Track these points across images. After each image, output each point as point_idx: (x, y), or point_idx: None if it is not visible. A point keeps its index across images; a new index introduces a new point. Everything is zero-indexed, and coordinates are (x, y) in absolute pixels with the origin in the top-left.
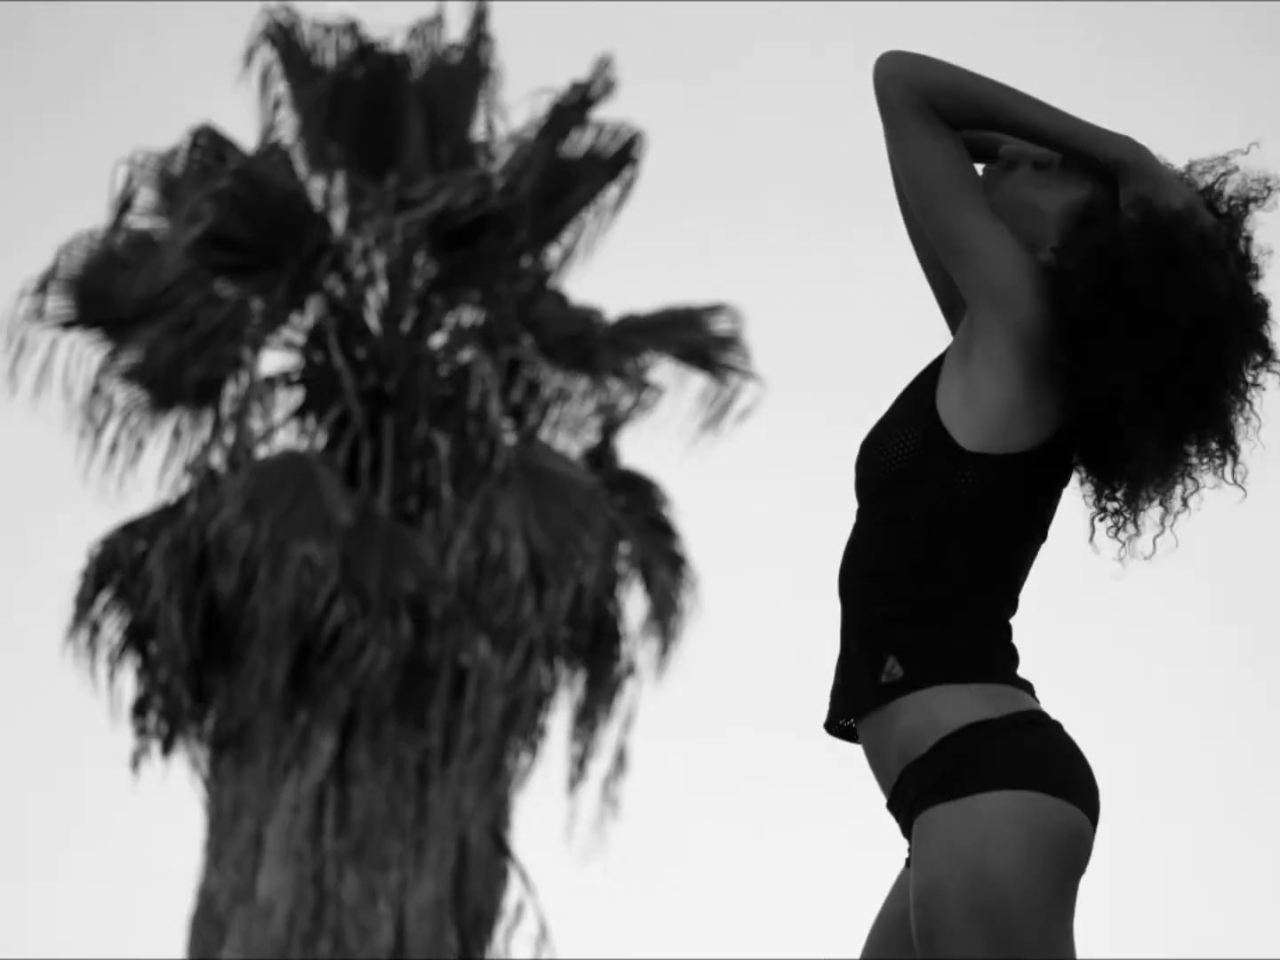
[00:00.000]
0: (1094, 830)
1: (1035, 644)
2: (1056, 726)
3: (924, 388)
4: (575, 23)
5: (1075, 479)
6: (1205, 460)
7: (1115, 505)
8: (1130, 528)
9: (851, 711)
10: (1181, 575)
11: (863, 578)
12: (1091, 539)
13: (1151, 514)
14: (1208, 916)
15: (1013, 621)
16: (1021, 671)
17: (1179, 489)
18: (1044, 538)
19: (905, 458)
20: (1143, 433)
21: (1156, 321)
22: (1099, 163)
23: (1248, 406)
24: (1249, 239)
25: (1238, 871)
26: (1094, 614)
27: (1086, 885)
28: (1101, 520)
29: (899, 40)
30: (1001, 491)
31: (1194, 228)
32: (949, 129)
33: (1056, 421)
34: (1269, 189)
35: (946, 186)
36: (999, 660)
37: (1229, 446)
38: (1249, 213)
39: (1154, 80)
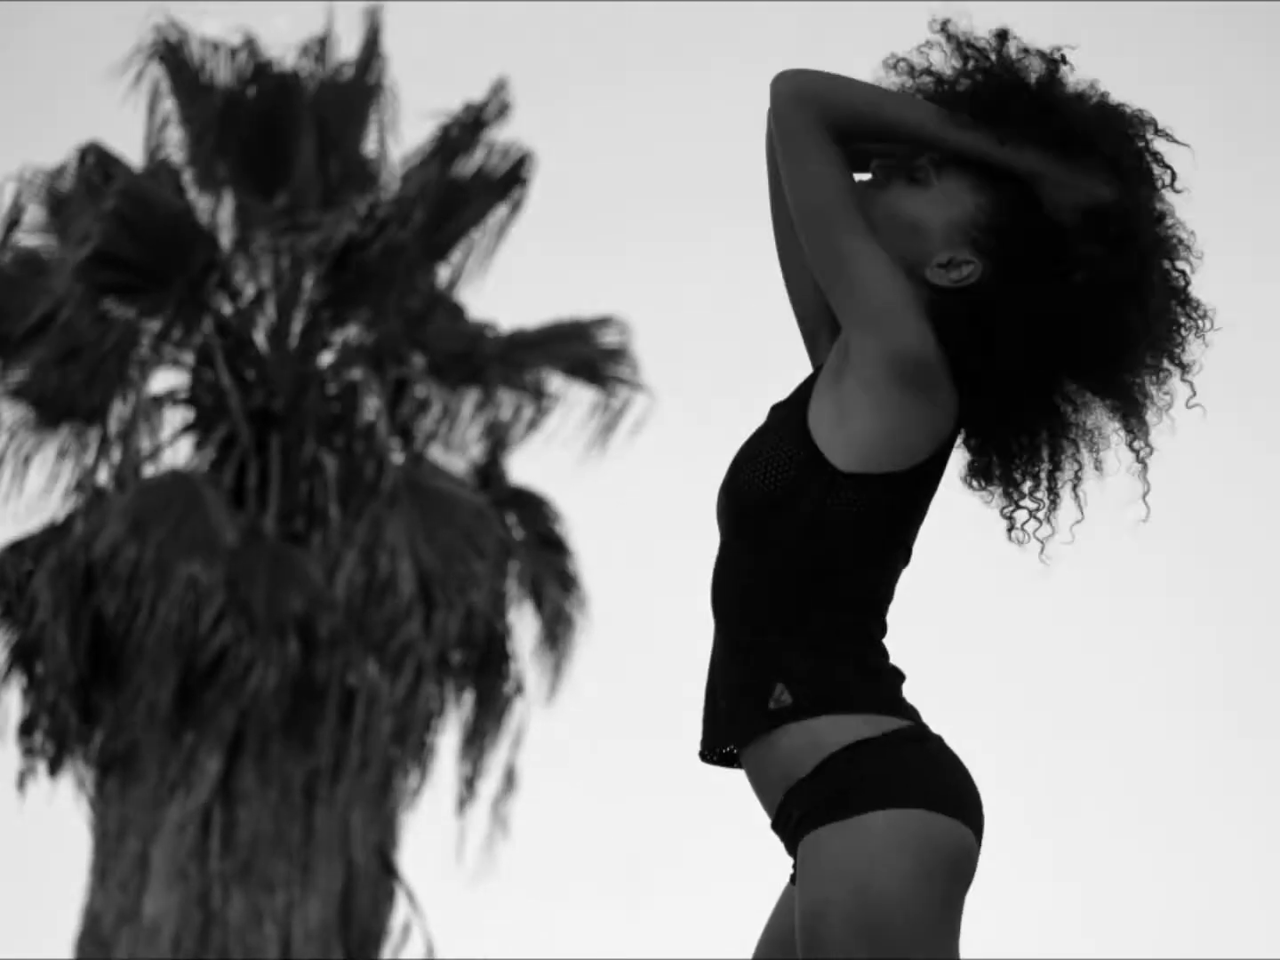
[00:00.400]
0: (980, 844)
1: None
2: (937, 741)
3: (795, 410)
4: (469, 40)
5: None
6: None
7: (1020, 496)
8: (1045, 513)
9: (735, 738)
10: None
11: (739, 600)
12: (1010, 534)
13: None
14: (1208, 916)
15: (886, 641)
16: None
17: (1087, 459)
18: (909, 560)
19: (780, 479)
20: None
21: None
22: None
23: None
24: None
25: (1238, 871)
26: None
27: (1087, 885)
28: (1019, 509)
29: (795, 51)
30: (877, 512)
31: (1135, 219)
32: (839, 152)
33: (935, 439)
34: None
35: (831, 210)
36: (884, 686)
37: (1141, 428)
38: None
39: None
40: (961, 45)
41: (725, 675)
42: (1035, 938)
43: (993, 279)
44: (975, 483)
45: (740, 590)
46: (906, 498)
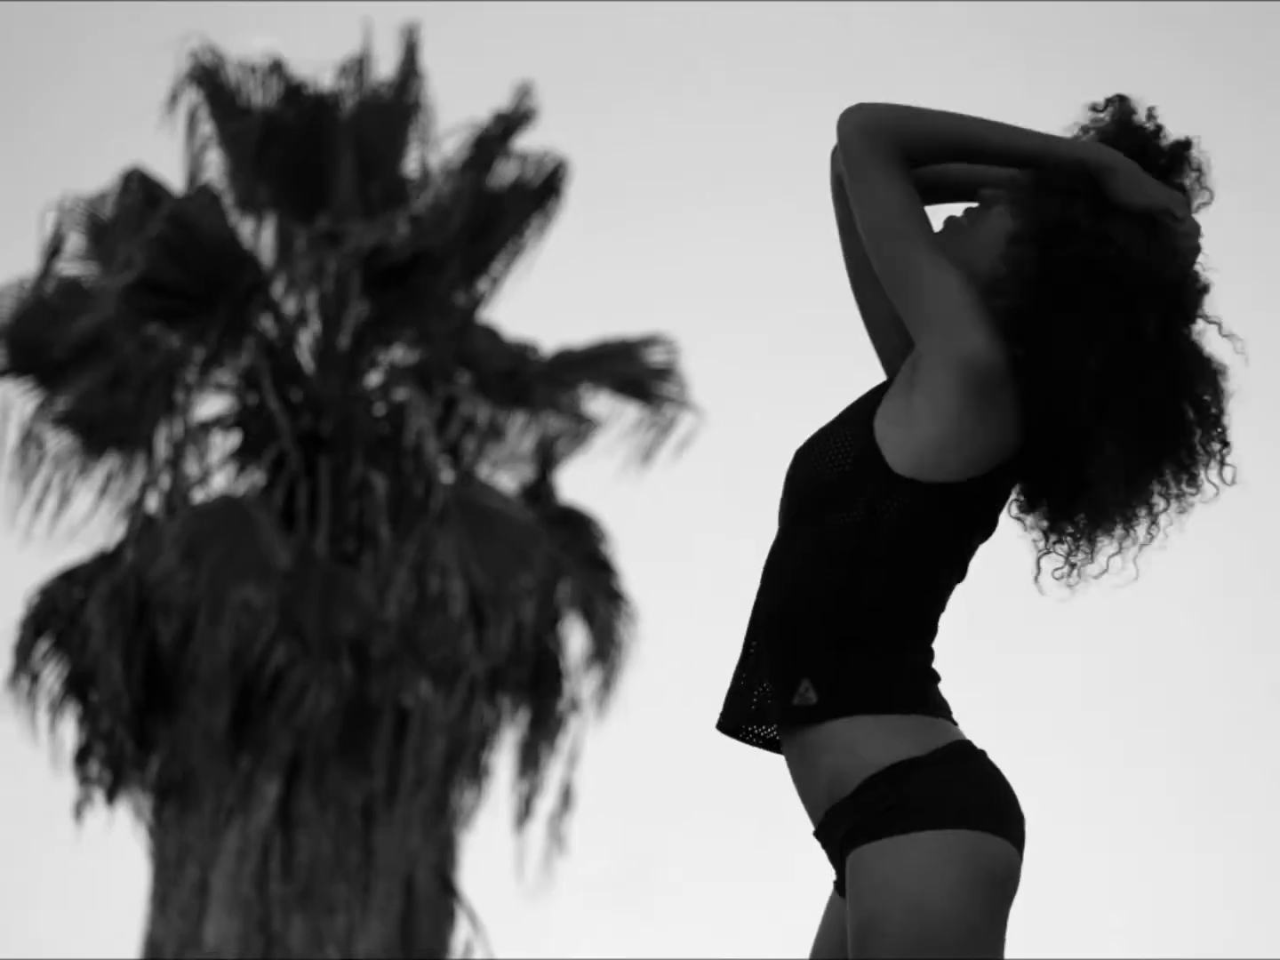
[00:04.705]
0: (1021, 857)
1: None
2: (981, 757)
3: (865, 408)
4: (501, 51)
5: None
6: (1166, 491)
7: (1069, 537)
8: (1084, 557)
9: (759, 718)
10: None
11: (784, 590)
12: (1036, 579)
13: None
14: (1208, 916)
15: (934, 646)
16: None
17: (1143, 513)
18: (963, 575)
19: (837, 471)
20: (1116, 445)
21: (1140, 337)
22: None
23: (1212, 432)
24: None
25: (1237, 871)
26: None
27: (1088, 885)
28: (1051, 554)
29: (832, 61)
30: (928, 519)
31: (1182, 235)
32: (907, 176)
33: (992, 457)
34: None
35: (899, 223)
36: (916, 689)
37: (1193, 479)
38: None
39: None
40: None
41: (758, 657)
42: (1036, 937)
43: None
44: (1020, 512)
45: (786, 578)
46: (962, 511)
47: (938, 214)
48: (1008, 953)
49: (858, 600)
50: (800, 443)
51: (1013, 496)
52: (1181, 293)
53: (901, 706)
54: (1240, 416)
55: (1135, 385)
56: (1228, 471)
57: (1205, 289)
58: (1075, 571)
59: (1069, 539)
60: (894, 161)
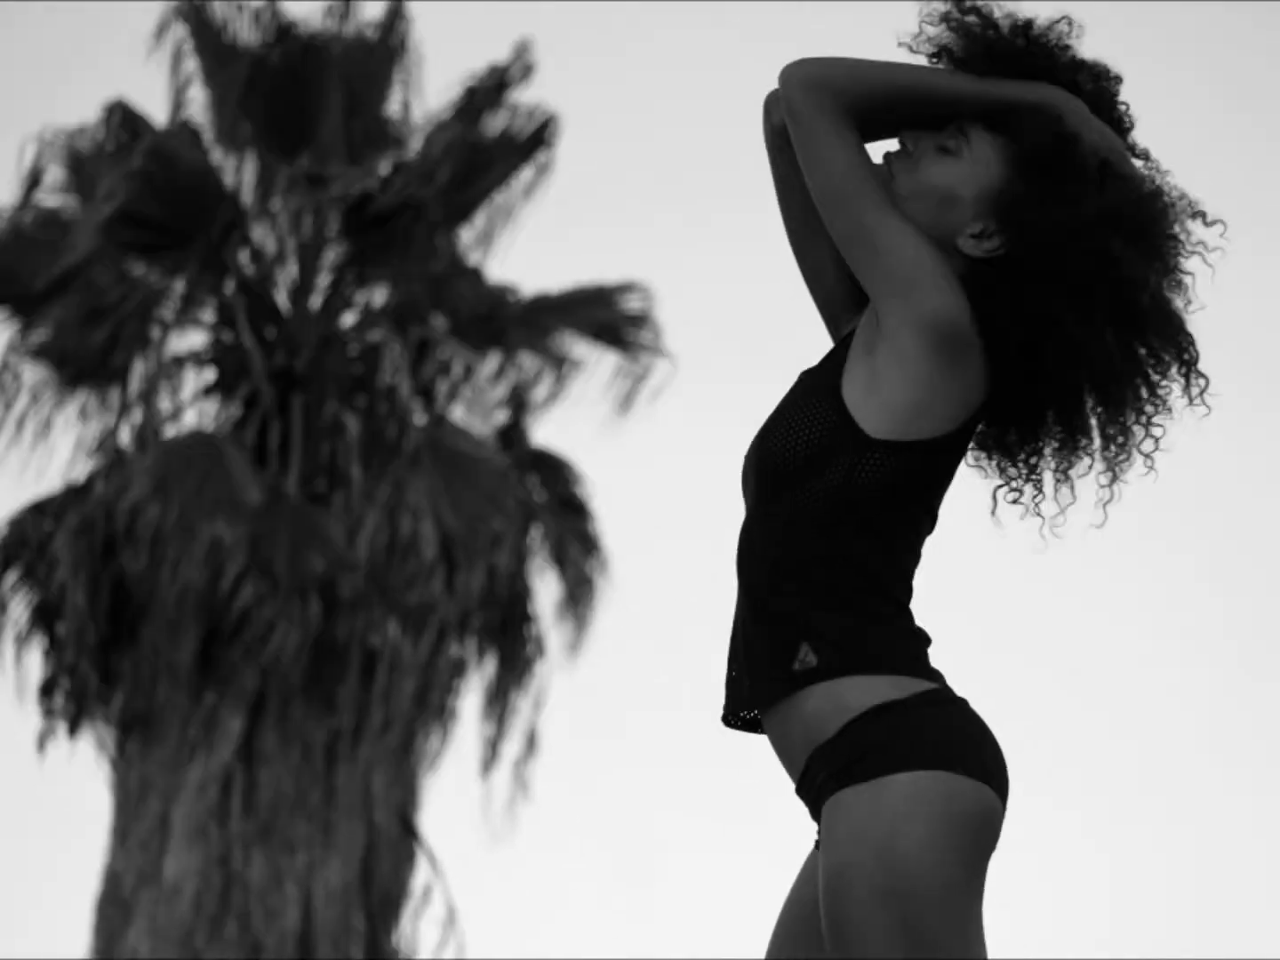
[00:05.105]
0: (1004, 810)
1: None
2: (962, 703)
3: (825, 379)
4: (495, 6)
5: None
6: (1139, 417)
7: (1029, 474)
8: (1050, 496)
9: (758, 701)
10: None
11: (768, 567)
12: (994, 512)
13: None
14: (1206, 916)
15: (912, 606)
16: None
17: (1118, 440)
18: (934, 526)
19: (810, 444)
20: (1093, 388)
21: (1128, 281)
22: (1015, 120)
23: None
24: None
25: (1237, 870)
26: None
27: (1091, 885)
28: (1012, 493)
29: (815, 22)
30: (905, 478)
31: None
32: (854, 130)
33: (962, 411)
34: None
35: (851, 187)
36: (911, 648)
37: (1162, 404)
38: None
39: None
40: (963, 16)
41: (750, 640)
42: (1040, 937)
43: (1020, 248)
44: (980, 453)
45: (767, 555)
46: (936, 465)
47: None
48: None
49: (844, 565)
50: (758, 425)
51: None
52: (1146, 229)
53: (898, 668)
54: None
55: (1111, 328)
56: (1194, 390)
57: (1169, 222)
58: (1041, 511)
59: (1034, 479)
60: (842, 118)
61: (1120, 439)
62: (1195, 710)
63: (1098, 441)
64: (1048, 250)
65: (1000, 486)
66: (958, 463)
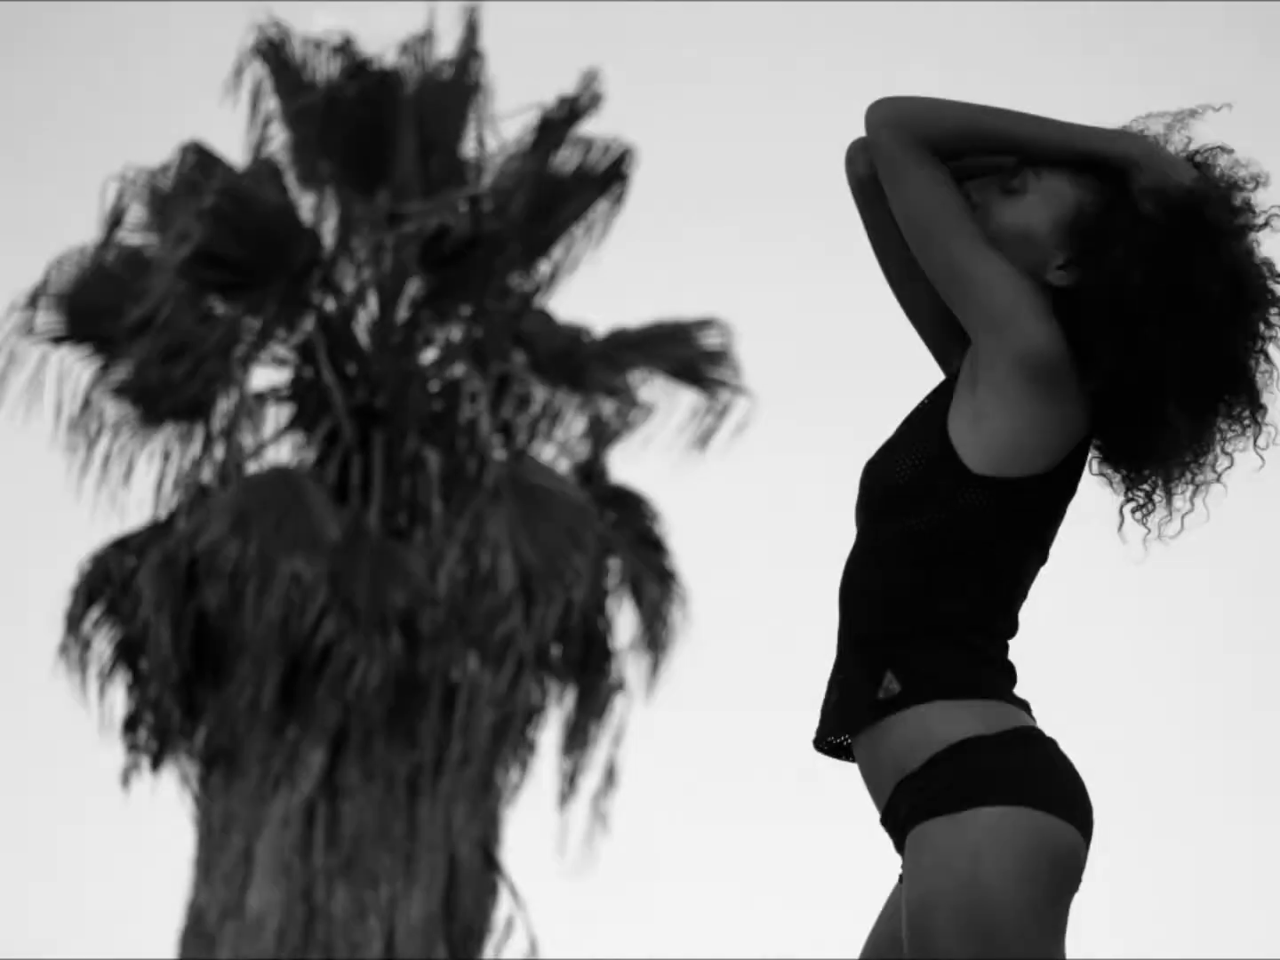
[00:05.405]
0: (1088, 848)
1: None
2: (1051, 743)
3: (934, 412)
4: (566, 32)
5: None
6: (1234, 427)
7: (1146, 489)
8: (1161, 510)
9: (846, 727)
10: (1193, 577)
11: (863, 594)
12: (1120, 528)
13: (1179, 495)
14: (1208, 915)
15: (1012, 642)
16: (1024, 690)
17: (1210, 461)
18: (1045, 559)
19: (912, 475)
20: (1179, 409)
21: (1192, 303)
22: (1090, 163)
23: (1267, 365)
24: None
25: (1237, 871)
26: (1102, 616)
27: (1093, 885)
28: (1132, 507)
29: (886, 46)
30: (1007, 514)
31: (1212, 204)
32: (941, 164)
33: (1066, 443)
34: (1256, 182)
35: (942, 220)
36: (997, 680)
37: (1257, 409)
38: (1240, 189)
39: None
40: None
41: (842, 664)
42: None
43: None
44: (1104, 472)
45: (866, 582)
46: (1041, 500)
47: None
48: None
49: (940, 596)
50: (857, 444)
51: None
52: (1235, 261)
53: (980, 694)
54: None
55: (1206, 356)
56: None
57: (1251, 246)
58: (1157, 511)
59: (1144, 491)
60: (926, 155)
61: (1202, 458)
62: (1196, 710)
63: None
64: (1126, 277)
65: (1127, 503)
66: (1068, 496)
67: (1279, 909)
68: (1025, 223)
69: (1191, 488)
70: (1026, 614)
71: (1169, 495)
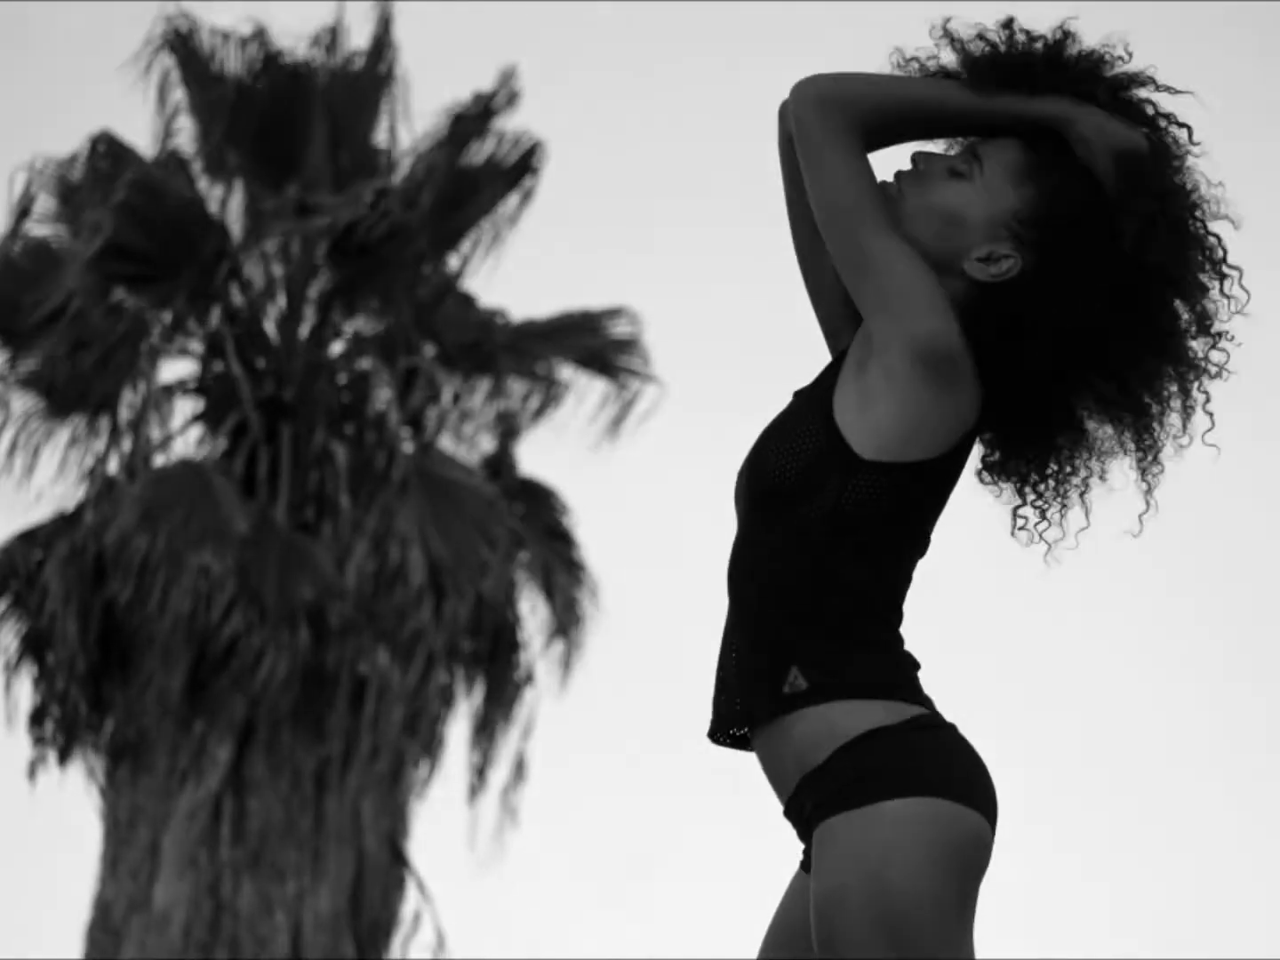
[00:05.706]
0: (994, 832)
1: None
2: (951, 729)
3: (817, 398)
4: (480, 28)
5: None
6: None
7: (1041, 491)
8: (1056, 516)
9: (747, 720)
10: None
11: (757, 587)
12: (1014, 532)
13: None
14: (1208, 915)
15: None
16: (1025, 690)
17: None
18: (926, 550)
19: (801, 465)
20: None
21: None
22: (1028, 128)
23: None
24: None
25: (1238, 870)
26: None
27: (1091, 884)
28: (1024, 511)
29: (805, 45)
30: (897, 501)
31: (1164, 162)
32: (862, 149)
33: (954, 432)
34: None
35: (854, 207)
36: (901, 673)
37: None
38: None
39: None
40: (966, 39)
41: (740, 657)
42: (1041, 936)
43: (1034, 274)
44: (988, 477)
45: (758, 574)
46: (927, 487)
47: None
48: (978, 938)
49: (835, 588)
50: (753, 438)
51: (976, 466)
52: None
53: (889, 693)
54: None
55: (1137, 333)
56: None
57: (1199, 216)
58: (1054, 523)
59: (1040, 492)
60: (851, 134)
61: (1152, 449)
62: (1194, 709)
63: (1132, 453)
64: (1076, 269)
65: (1019, 507)
66: (951, 485)
67: (1279, 909)
68: (960, 207)
69: (1085, 488)
70: (1039, 614)
71: (1064, 502)
